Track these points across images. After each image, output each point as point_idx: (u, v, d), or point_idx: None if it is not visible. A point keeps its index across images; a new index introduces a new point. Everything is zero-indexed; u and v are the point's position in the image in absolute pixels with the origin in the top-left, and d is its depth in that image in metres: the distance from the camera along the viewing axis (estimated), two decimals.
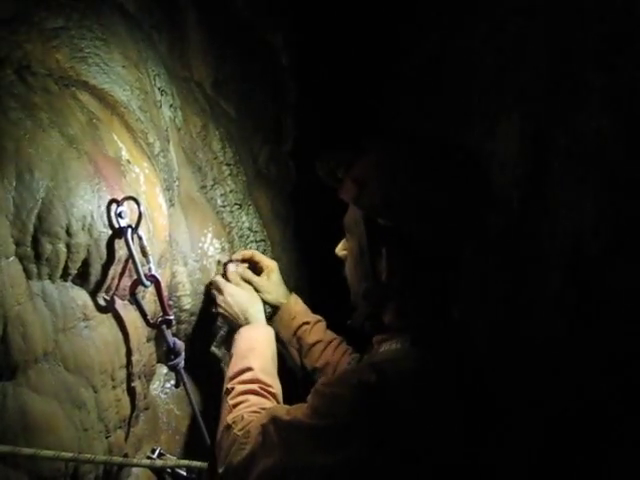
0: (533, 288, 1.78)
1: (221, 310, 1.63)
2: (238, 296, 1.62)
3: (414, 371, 1.15)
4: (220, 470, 1.27)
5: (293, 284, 1.95)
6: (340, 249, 1.39)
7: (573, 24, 1.66)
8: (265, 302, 1.71)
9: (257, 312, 1.62)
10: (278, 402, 1.43)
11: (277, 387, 1.46)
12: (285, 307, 1.75)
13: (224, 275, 1.70)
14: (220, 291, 1.64)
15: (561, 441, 1.64)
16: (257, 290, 1.70)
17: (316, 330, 1.74)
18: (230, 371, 1.48)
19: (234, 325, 1.61)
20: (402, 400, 1.10)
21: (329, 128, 2.26)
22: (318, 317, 1.79)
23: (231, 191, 1.89)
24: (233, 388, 1.42)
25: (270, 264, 1.77)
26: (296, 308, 1.76)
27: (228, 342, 1.67)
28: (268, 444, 1.17)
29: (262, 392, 1.41)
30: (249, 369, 1.45)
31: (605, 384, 1.52)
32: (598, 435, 1.54)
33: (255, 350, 1.50)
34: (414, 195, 1.15)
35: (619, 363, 1.49)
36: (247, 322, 1.59)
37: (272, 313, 1.78)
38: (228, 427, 1.31)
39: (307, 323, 1.74)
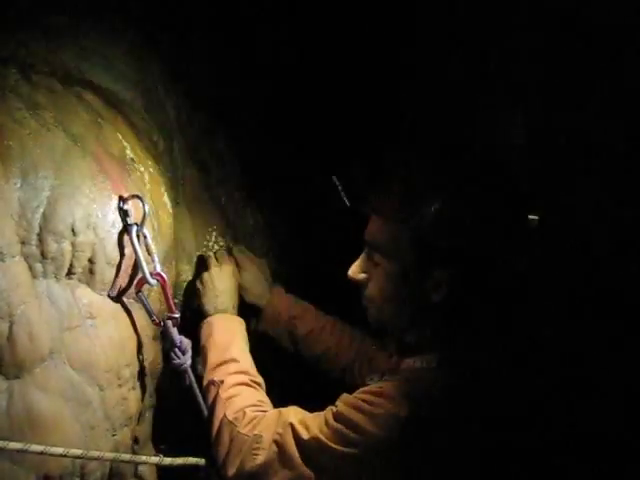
0: (541, 288, 1.77)
1: (199, 286, 1.56)
2: (220, 280, 1.54)
3: (444, 399, 1.12)
4: (230, 473, 1.26)
5: (296, 284, 1.94)
6: (357, 272, 1.29)
7: (577, 21, 1.65)
8: (247, 301, 1.66)
9: (229, 300, 1.55)
10: (265, 392, 1.41)
11: (260, 377, 1.44)
12: (268, 306, 1.68)
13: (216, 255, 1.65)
14: (207, 268, 1.57)
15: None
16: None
17: (306, 320, 1.67)
18: (211, 361, 1.44)
19: (203, 305, 1.54)
20: (435, 435, 1.09)
21: (334, 125, 2.26)
22: (305, 305, 1.71)
23: (236, 189, 1.89)
24: (223, 381, 1.39)
25: (247, 263, 1.68)
26: (279, 304, 1.68)
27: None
28: (286, 456, 1.16)
29: (252, 384, 1.40)
30: (234, 360, 1.42)
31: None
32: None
33: (234, 342, 1.47)
34: (469, 214, 1.11)
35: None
36: (218, 310, 1.53)
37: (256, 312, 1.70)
38: (229, 423, 1.30)
39: (294, 317, 1.67)
